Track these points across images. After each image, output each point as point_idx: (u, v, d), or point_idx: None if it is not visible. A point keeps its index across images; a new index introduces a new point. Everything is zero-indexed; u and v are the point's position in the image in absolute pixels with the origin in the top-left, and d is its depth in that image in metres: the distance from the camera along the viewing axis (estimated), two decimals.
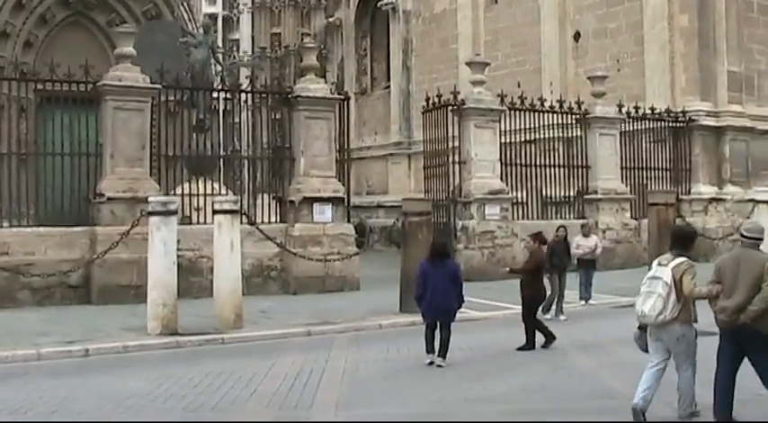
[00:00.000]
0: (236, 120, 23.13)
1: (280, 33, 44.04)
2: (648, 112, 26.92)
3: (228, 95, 22.80)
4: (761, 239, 8.56)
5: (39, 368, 12.18)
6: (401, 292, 16.82)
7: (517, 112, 24.69)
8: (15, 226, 18.76)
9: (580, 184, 25.98)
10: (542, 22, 32.13)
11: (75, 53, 22.21)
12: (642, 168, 27.08)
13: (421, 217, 17.62)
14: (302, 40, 36.75)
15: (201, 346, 14.05)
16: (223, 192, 20.38)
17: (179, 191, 20.19)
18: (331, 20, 42.60)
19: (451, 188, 23.71)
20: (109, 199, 18.64)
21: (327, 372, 11.67)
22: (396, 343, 13.95)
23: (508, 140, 24.23)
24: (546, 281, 16.61)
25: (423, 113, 25.30)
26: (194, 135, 22.16)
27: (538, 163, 25.26)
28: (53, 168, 19.17)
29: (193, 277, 18.80)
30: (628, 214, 26.16)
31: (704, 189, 27.95)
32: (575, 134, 26.12)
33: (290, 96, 21.67)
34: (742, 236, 8.62)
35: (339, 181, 21.85)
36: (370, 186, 38.43)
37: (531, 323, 13.60)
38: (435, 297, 12.28)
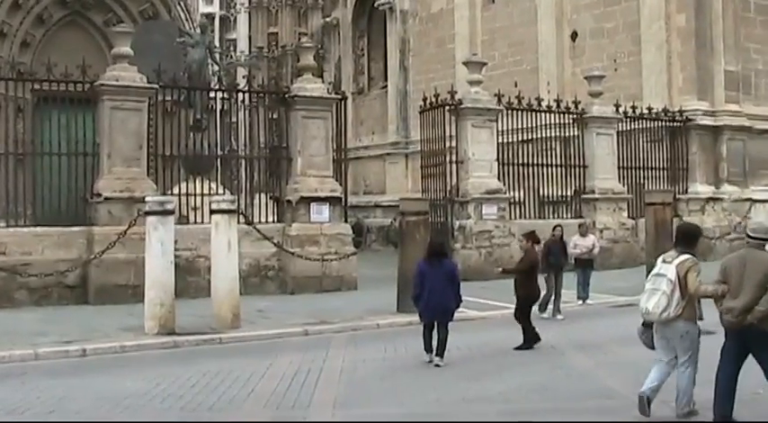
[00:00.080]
0: (234, 119, 23.13)
1: (277, 33, 44.11)
2: (645, 111, 26.92)
3: (225, 95, 22.79)
4: (766, 240, 8.56)
5: (36, 368, 12.17)
6: (398, 291, 16.83)
7: (514, 112, 24.69)
8: (12, 226, 18.77)
9: (577, 184, 25.98)
10: (539, 22, 32.14)
11: (72, 53, 22.18)
12: (639, 168, 27.08)
13: (418, 217, 17.63)
14: (299, 39, 36.75)
15: (199, 345, 14.05)
16: (220, 191, 20.35)
17: (176, 191, 20.14)
18: (328, 19, 42.61)
19: (449, 188, 23.70)
20: (106, 199, 18.62)
21: (325, 371, 11.67)
22: (393, 342, 13.95)
23: (505, 140, 24.24)
24: (542, 280, 16.73)
25: (420, 113, 25.30)
26: (191, 135, 22.12)
27: (535, 162, 25.26)
28: (50, 168, 19.16)
29: (191, 277, 18.78)
30: (625, 214, 26.16)
31: (701, 188, 27.97)
32: (572, 134, 26.13)
33: (287, 96, 21.66)
34: (747, 236, 8.62)
35: (336, 181, 21.85)
36: (367, 186, 38.43)
37: (524, 321, 13.59)
38: (432, 297, 12.28)
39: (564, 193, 25.86)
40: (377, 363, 12.52)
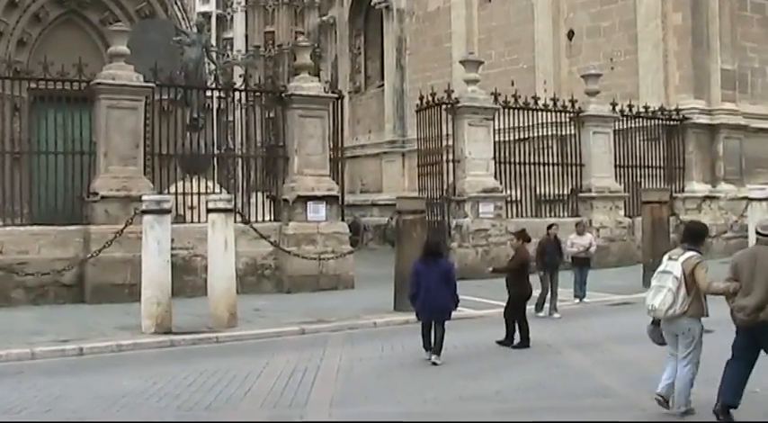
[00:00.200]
0: (230, 118, 23.11)
1: (273, 32, 44.10)
2: (642, 110, 26.94)
3: (222, 94, 22.76)
4: None
5: (33, 367, 12.16)
6: (395, 290, 16.84)
7: (511, 111, 24.69)
8: (9, 225, 18.75)
9: (574, 183, 25.98)
10: (536, 21, 32.14)
11: (68, 52, 22.19)
12: (636, 166, 27.11)
13: (415, 215, 17.63)
14: (296, 38, 36.80)
15: (196, 344, 14.05)
16: (217, 190, 20.33)
17: (173, 189, 20.13)
18: (325, 18, 42.59)
19: (445, 186, 23.70)
20: (103, 198, 18.61)
21: (322, 370, 11.67)
22: (390, 341, 13.96)
23: (502, 139, 24.23)
24: (538, 279, 16.76)
25: (417, 112, 25.28)
26: (188, 134, 22.11)
27: (532, 161, 25.26)
28: (47, 167, 19.15)
29: (187, 276, 18.78)
30: (622, 212, 26.17)
31: (698, 187, 27.99)
32: (568, 132, 26.15)
33: (283, 95, 21.66)
34: (758, 233, 8.66)
35: (333, 179, 21.85)
36: (364, 185, 38.43)
37: (519, 319, 13.60)
38: (429, 296, 12.31)
39: (561, 192, 25.87)
40: (374, 361, 12.52)
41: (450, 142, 23.79)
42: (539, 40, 31.98)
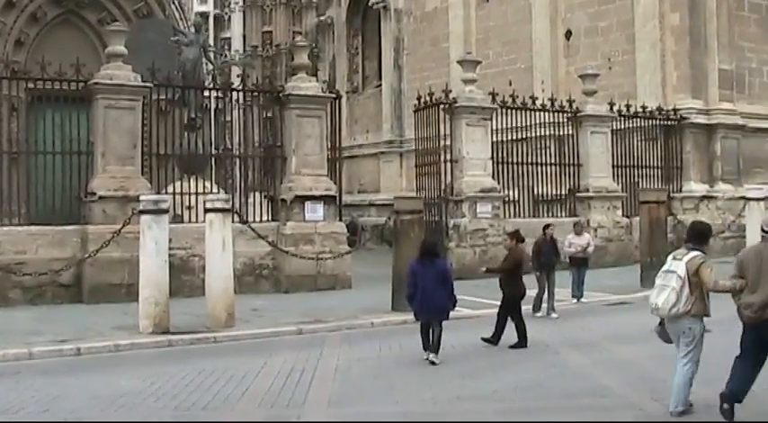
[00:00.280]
0: (228, 118, 23.12)
1: (271, 32, 44.09)
2: (640, 110, 26.95)
3: (220, 94, 22.75)
4: None
5: (30, 367, 12.15)
6: (393, 290, 16.83)
7: (508, 111, 24.68)
8: (6, 225, 18.75)
9: (571, 183, 25.99)
10: (533, 21, 32.15)
11: (66, 52, 22.18)
12: (633, 166, 27.11)
13: (413, 215, 17.63)
14: (294, 38, 36.85)
15: (193, 344, 14.04)
16: (215, 190, 20.32)
17: (170, 189, 20.15)
18: (322, 18, 42.58)
19: (443, 186, 23.69)
20: (100, 198, 18.60)
21: (319, 370, 11.67)
22: (388, 341, 13.95)
23: (500, 139, 24.23)
24: (535, 279, 16.78)
25: (414, 112, 25.28)
26: (186, 134, 22.11)
27: (529, 161, 25.28)
28: (44, 167, 19.13)
29: (185, 276, 18.78)
30: (619, 212, 26.18)
31: (695, 187, 28.01)
32: (566, 132, 26.15)
33: (281, 95, 21.66)
34: (763, 231, 8.69)
35: (331, 179, 21.85)
36: (361, 185, 38.43)
37: (516, 319, 13.60)
38: (425, 297, 12.34)
39: (558, 192, 25.88)
40: (371, 361, 12.52)
41: (448, 142, 23.78)
42: (536, 39, 32.00)
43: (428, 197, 23.37)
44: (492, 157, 24.15)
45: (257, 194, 21.83)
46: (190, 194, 20.18)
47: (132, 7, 28.57)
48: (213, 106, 23.20)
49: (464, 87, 24.19)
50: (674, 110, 27.62)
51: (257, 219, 20.76)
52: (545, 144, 25.66)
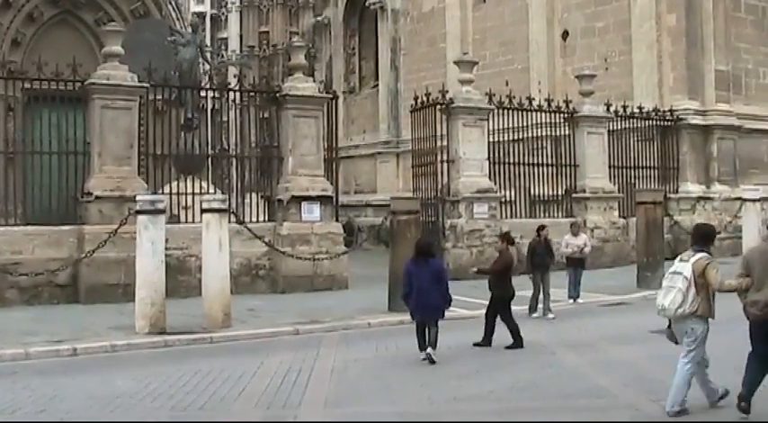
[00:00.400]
0: (225, 118, 23.14)
1: (268, 32, 44.05)
2: (636, 110, 26.96)
3: (217, 94, 22.76)
4: None
5: (26, 367, 12.14)
6: (390, 290, 16.83)
7: (505, 111, 24.68)
8: (3, 225, 18.75)
9: (568, 183, 25.99)
10: (530, 21, 32.15)
11: (62, 52, 22.15)
12: (630, 167, 27.12)
13: (409, 216, 17.63)
14: (290, 38, 36.76)
15: (190, 345, 14.04)
16: (211, 190, 20.32)
17: (167, 190, 20.14)
18: (319, 18, 42.57)
19: (440, 187, 23.70)
20: (97, 198, 18.59)
21: (316, 370, 11.67)
22: (384, 341, 13.96)
23: (496, 139, 24.24)
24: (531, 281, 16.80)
25: (411, 112, 25.28)
26: (182, 134, 22.11)
27: (526, 162, 25.26)
28: (41, 167, 19.12)
29: (182, 276, 18.77)
30: (616, 213, 26.18)
31: (692, 188, 28.02)
32: (563, 133, 26.14)
33: (278, 95, 21.65)
34: None
35: (327, 180, 21.84)
36: (358, 185, 38.42)
37: (506, 320, 13.60)
38: (421, 296, 12.41)
39: (555, 193, 25.88)
40: (368, 362, 12.52)
41: (445, 143, 23.79)
42: (533, 40, 32.01)
43: (425, 198, 23.36)
44: (489, 158, 24.15)
45: (254, 195, 21.84)
46: (186, 195, 20.17)
47: (129, 7, 28.54)
48: (210, 106, 23.21)
49: (461, 88, 24.19)
50: (671, 111, 27.64)
51: (254, 219, 20.76)
52: (542, 145, 25.65)
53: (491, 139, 24.14)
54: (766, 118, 29.66)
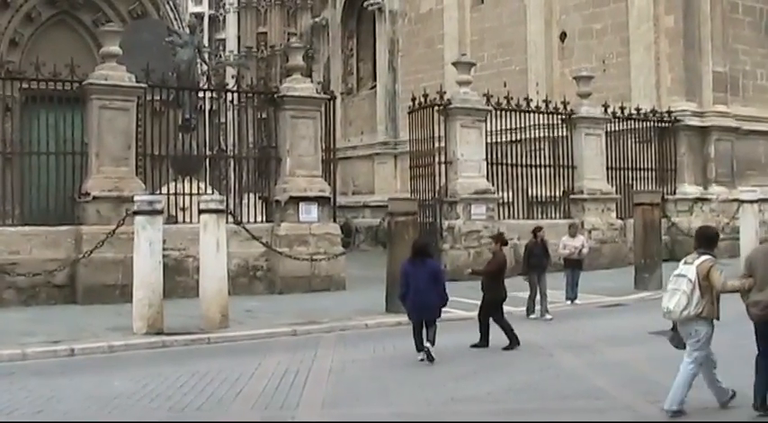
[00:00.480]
0: (222, 119, 23.10)
1: (266, 33, 44.16)
2: (634, 112, 26.98)
3: (214, 95, 22.75)
4: None
5: (24, 368, 12.13)
6: (387, 291, 16.82)
7: (503, 113, 24.69)
8: (0, 225, 18.69)
9: (566, 184, 25.99)
10: (528, 23, 32.17)
11: (60, 52, 22.14)
12: (628, 168, 27.14)
13: (407, 217, 17.63)
14: (288, 39, 36.87)
15: (187, 345, 14.03)
16: (209, 191, 20.32)
17: (165, 190, 20.12)
18: (317, 20, 42.59)
19: (437, 188, 23.70)
20: (94, 198, 18.58)
21: (313, 371, 11.67)
22: (382, 342, 13.96)
23: (494, 140, 24.25)
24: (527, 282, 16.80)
25: (409, 113, 25.29)
26: (180, 134, 22.07)
27: (524, 163, 25.28)
28: (38, 167, 19.12)
29: (179, 277, 18.76)
30: (613, 214, 26.20)
31: (689, 189, 28.05)
32: (560, 134, 26.17)
33: (276, 96, 21.65)
34: None
35: (325, 181, 21.84)
36: (356, 186, 38.41)
37: (498, 321, 13.61)
38: (417, 296, 12.46)
39: (552, 194, 25.89)
40: (365, 363, 12.53)
41: (443, 144, 23.80)
42: (531, 41, 32.02)
43: (422, 199, 23.38)
44: (486, 159, 24.16)
45: (251, 195, 21.82)
46: (184, 195, 20.17)
47: (127, 8, 28.50)
48: (208, 107, 23.18)
49: (458, 89, 24.20)
50: (669, 112, 27.67)
51: (251, 220, 20.77)
52: (539, 146, 25.67)
53: (489, 141, 24.15)
54: (764, 119, 29.70)
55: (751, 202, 22.59)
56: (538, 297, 16.72)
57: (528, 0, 32.13)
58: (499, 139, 24.33)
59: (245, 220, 20.14)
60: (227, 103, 22.22)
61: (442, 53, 34.97)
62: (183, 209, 20.03)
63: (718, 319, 8.90)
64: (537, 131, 25.34)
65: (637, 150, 27.37)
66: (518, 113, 25.07)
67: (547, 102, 25.87)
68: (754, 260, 8.76)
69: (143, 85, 19.69)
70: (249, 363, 12.18)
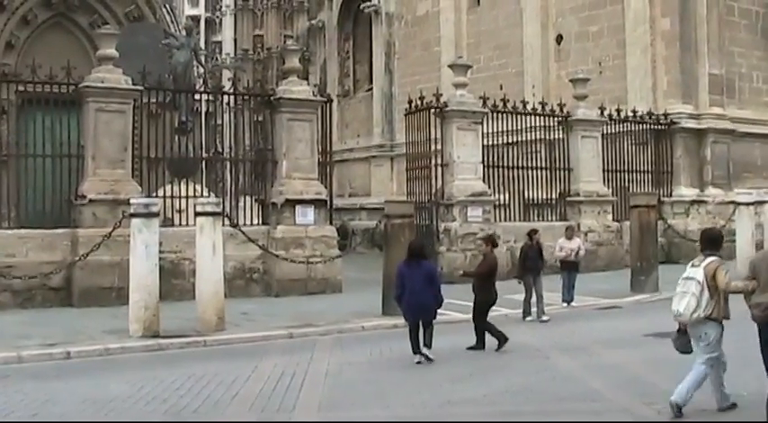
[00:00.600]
0: (219, 122, 23.10)
1: (262, 36, 44.11)
2: (630, 114, 27.00)
3: (211, 97, 22.76)
4: None
5: (19, 371, 12.12)
6: (383, 294, 16.81)
7: (499, 115, 24.69)
8: None
9: (562, 187, 26.02)
10: (525, 25, 32.17)
11: (57, 55, 22.11)
12: (624, 171, 27.16)
13: (403, 219, 17.62)
14: (285, 42, 36.85)
15: (183, 348, 14.02)
16: (205, 194, 20.32)
17: (161, 193, 20.11)
18: (313, 22, 42.57)
19: (434, 190, 23.70)
20: (90, 201, 18.56)
21: (310, 374, 11.66)
22: (378, 345, 13.96)
23: (490, 143, 24.26)
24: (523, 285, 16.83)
25: (405, 116, 25.28)
26: (176, 137, 22.06)
27: (520, 165, 25.29)
28: (34, 170, 19.09)
29: (175, 279, 18.75)
30: (610, 216, 26.21)
31: (686, 191, 28.07)
32: (557, 137, 26.18)
33: (272, 98, 21.66)
34: None
35: (321, 183, 21.85)
36: (352, 189, 38.40)
37: (482, 325, 13.63)
38: (413, 297, 12.50)
39: (549, 196, 25.90)
40: (362, 365, 12.53)
41: (439, 146, 23.80)
42: (527, 44, 32.03)
43: (419, 201, 23.37)
44: (483, 161, 24.16)
45: (248, 198, 21.83)
46: (180, 198, 20.15)
47: (123, 10, 28.50)
48: (204, 110, 23.18)
49: (455, 91, 24.21)
50: (665, 114, 27.68)
51: (248, 222, 20.76)
52: (536, 148, 25.69)
53: (485, 143, 24.15)
54: (760, 122, 29.73)
55: (747, 204, 22.62)
56: (533, 299, 16.73)
57: (524, 3, 32.15)
58: (495, 142, 24.34)
59: (241, 222, 20.12)
60: (223, 106, 22.23)
61: (439, 56, 34.97)
62: (180, 211, 20.02)
63: (728, 318, 8.96)
64: (533, 134, 25.37)
65: (633, 153, 27.40)
66: (514, 116, 25.08)
67: (543, 104, 25.90)
68: (759, 264, 8.78)
69: (139, 87, 19.68)
70: (245, 366, 12.17)
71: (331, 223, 22.13)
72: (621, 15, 29.30)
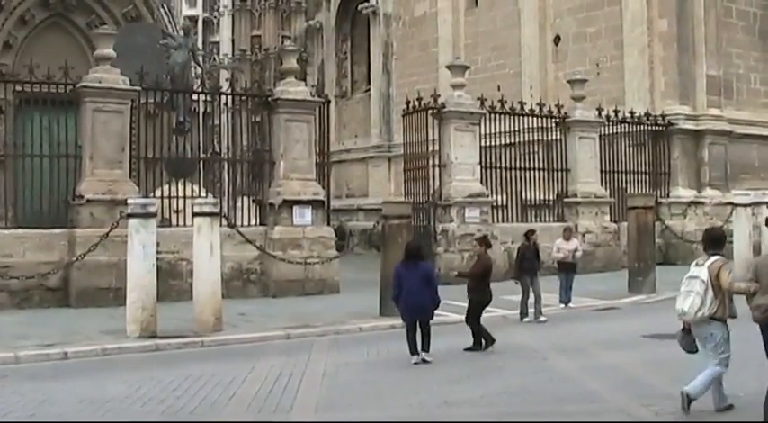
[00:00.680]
0: (216, 122, 23.07)
1: (260, 36, 44.15)
2: (628, 115, 27.03)
3: (208, 98, 22.72)
4: None
5: (17, 371, 12.10)
6: (381, 295, 16.81)
7: (497, 116, 24.70)
8: None
9: (560, 188, 26.04)
10: (522, 26, 32.21)
11: (54, 55, 22.08)
12: (621, 172, 27.20)
13: (401, 220, 17.63)
14: (282, 42, 36.81)
15: (181, 349, 14.01)
16: (203, 194, 20.31)
17: (158, 193, 20.09)
18: (311, 23, 42.59)
19: (432, 191, 23.71)
20: (88, 201, 18.55)
21: (307, 375, 11.65)
22: (376, 346, 13.95)
23: (488, 144, 24.26)
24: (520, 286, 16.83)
25: (403, 117, 25.30)
26: (174, 137, 22.07)
27: (518, 166, 25.30)
28: (32, 170, 19.06)
29: (173, 280, 18.74)
30: (607, 217, 26.23)
31: (683, 192, 28.10)
32: (554, 137, 26.19)
33: (270, 99, 21.65)
34: None
35: (319, 184, 21.84)
36: (350, 189, 38.42)
37: (474, 326, 13.64)
38: (410, 298, 12.50)
39: (546, 197, 25.91)
40: (359, 366, 12.51)
41: (437, 147, 23.81)
42: (525, 45, 32.06)
43: (416, 202, 23.38)
44: (480, 162, 24.17)
45: (245, 199, 21.83)
46: (178, 198, 20.13)
47: (121, 11, 28.47)
48: (202, 110, 23.16)
49: (453, 92, 24.22)
50: (662, 115, 27.71)
51: (245, 223, 20.77)
52: (533, 149, 25.70)
53: (483, 144, 24.16)
54: (757, 123, 29.77)
55: (744, 205, 22.61)
56: (531, 300, 16.73)
57: (522, 4, 32.18)
58: (493, 143, 24.35)
59: (238, 223, 20.14)
60: (221, 106, 22.21)
61: (437, 56, 35.01)
62: (177, 212, 20.01)
63: (735, 316, 8.99)
64: (531, 135, 25.37)
65: (630, 154, 27.43)
66: (512, 117, 25.10)
67: (541, 105, 25.91)
68: (761, 265, 8.82)
69: (137, 87, 19.68)
70: (242, 366, 12.16)
71: (328, 224, 22.12)
72: (619, 16, 29.34)
